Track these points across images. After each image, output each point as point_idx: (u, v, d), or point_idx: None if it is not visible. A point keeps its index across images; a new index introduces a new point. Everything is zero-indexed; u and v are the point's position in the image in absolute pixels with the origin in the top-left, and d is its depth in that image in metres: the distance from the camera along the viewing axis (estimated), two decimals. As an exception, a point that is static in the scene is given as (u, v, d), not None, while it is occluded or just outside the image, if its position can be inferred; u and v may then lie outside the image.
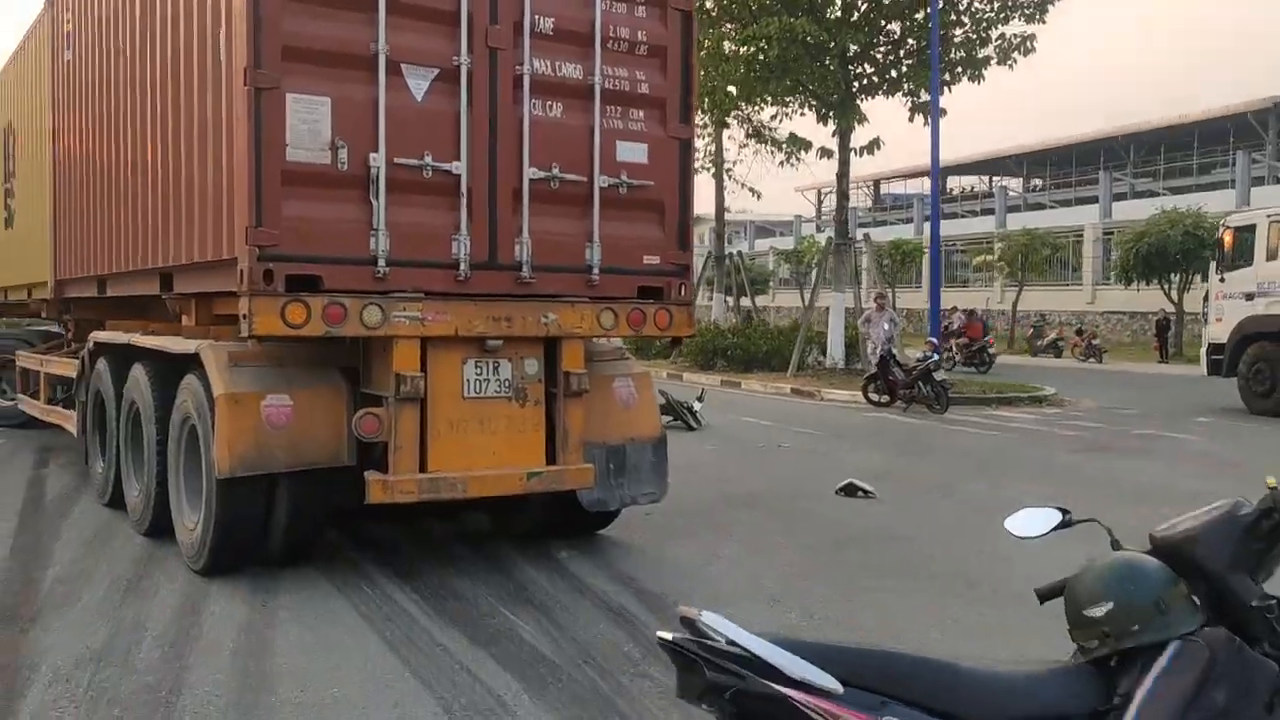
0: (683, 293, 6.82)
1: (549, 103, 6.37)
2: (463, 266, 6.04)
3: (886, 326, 17.84)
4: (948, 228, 41.40)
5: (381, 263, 5.80)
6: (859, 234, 28.43)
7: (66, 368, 10.02)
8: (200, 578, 6.17)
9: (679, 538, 7.42)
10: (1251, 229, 16.35)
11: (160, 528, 7.00)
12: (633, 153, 6.64)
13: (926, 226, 51.43)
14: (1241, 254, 16.33)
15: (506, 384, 6.27)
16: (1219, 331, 16.74)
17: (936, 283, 20.13)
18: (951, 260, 42.64)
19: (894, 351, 17.47)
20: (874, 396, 17.51)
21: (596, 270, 6.47)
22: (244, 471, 5.85)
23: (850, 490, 9.23)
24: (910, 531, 7.73)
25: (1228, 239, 16.68)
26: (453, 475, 6.01)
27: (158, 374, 7.12)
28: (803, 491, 9.34)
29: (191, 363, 6.42)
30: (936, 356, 17.19)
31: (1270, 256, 15.82)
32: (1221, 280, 16.81)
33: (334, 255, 5.72)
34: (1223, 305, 16.65)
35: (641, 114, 6.66)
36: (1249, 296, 16.05)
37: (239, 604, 5.67)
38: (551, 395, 6.43)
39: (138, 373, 7.34)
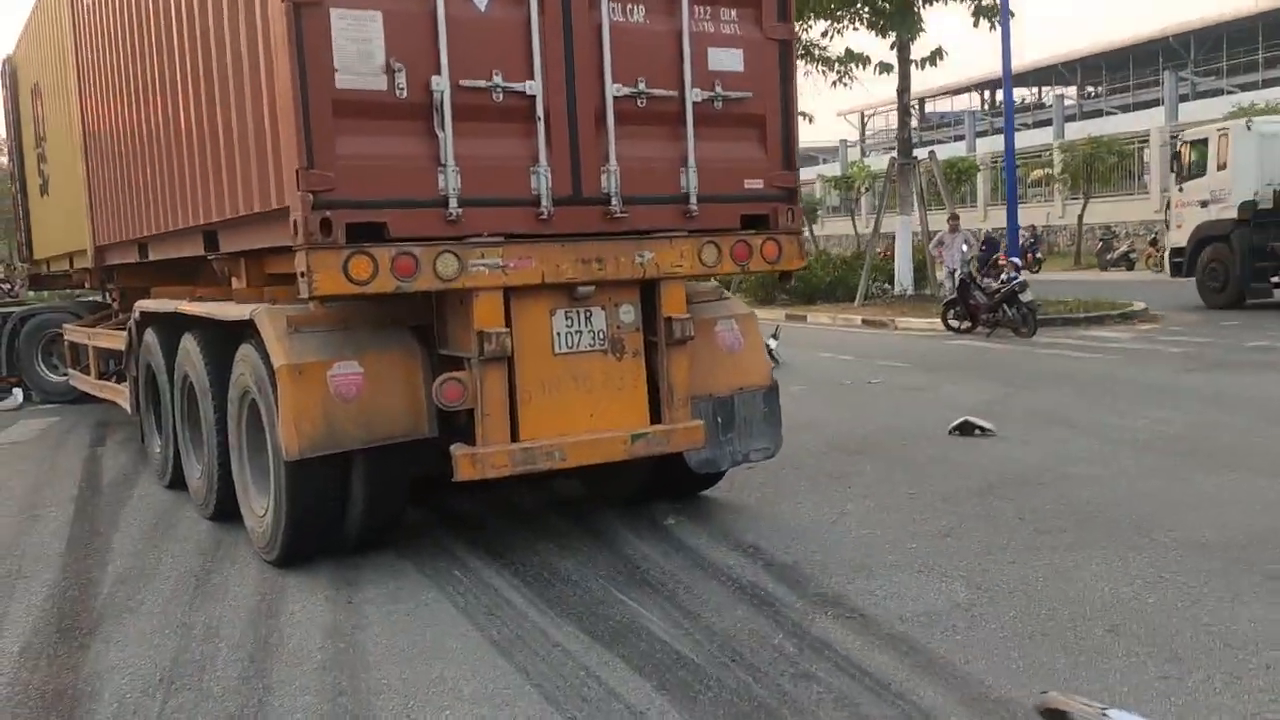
0: (791, 219, 5.97)
1: (629, 5, 5.50)
2: (544, 203, 5.24)
3: (965, 249, 16.83)
4: (1002, 142, 39.88)
5: (453, 203, 5.02)
6: (918, 154, 27.18)
7: (114, 340, 9.41)
8: (274, 570, 5.51)
9: (793, 494, 6.65)
10: (1205, 142, 18.24)
11: (227, 512, 6.36)
12: (727, 60, 5.76)
13: (979, 143, 49.75)
14: (1197, 165, 18.27)
15: (601, 335, 5.50)
16: (1179, 237, 18.85)
17: (1013, 197, 18.97)
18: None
19: (974, 273, 16.47)
20: (954, 323, 16.57)
21: (694, 199, 5.64)
22: (314, 452, 5.15)
23: (966, 429, 8.41)
24: (1051, 473, 6.90)
25: (1184, 152, 18.61)
26: (548, 443, 5.27)
27: (210, 344, 6.44)
28: (913, 432, 8.53)
29: (246, 330, 5.71)
30: (1021, 277, 16.17)
31: (1220, 167, 17.74)
32: (1180, 190, 18.73)
33: (399, 198, 4.95)
34: (1181, 213, 18.61)
35: (734, 13, 5.77)
36: (1203, 204, 18.02)
37: (320, 601, 5.01)
38: (650, 345, 5.66)
39: (188, 343, 6.66)
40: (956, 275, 16.60)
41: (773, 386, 6.26)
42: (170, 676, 4.21)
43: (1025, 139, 47.22)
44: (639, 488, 6.45)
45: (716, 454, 6.02)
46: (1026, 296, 15.59)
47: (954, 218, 17.36)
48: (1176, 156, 18.95)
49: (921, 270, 22.88)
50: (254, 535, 5.83)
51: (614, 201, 5.42)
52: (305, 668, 4.22)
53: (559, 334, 5.40)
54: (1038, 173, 38.45)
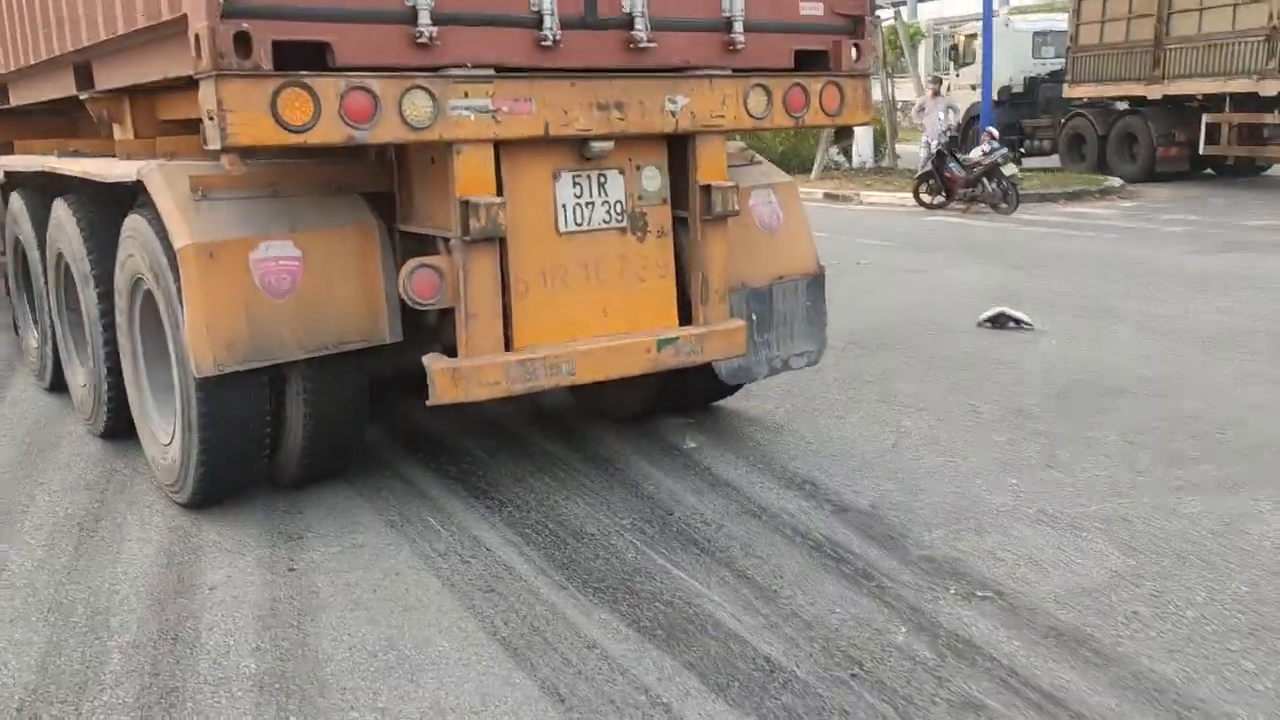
0: (857, 57, 4.61)
1: None
2: (549, 24, 3.80)
3: (942, 116, 15.53)
4: (935, 10, 38.45)
5: (424, 18, 3.56)
6: (882, 15, 25.59)
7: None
8: (186, 516, 4.18)
9: (828, 406, 5.46)
10: (975, 35, 20.00)
11: (122, 430, 4.97)
12: None
13: (922, 8, 47.91)
14: (969, 55, 20.92)
15: (618, 208, 4.15)
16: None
17: (989, 62, 17.62)
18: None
19: (953, 144, 15.24)
20: (926, 198, 15.38)
21: (740, 25, 4.24)
22: (234, 365, 3.77)
23: (1000, 321, 7.28)
24: (1128, 377, 5.80)
25: (961, 43, 21.57)
26: (552, 353, 3.96)
27: (89, 213, 4.93)
28: (936, 323, 7.37)
29: (138, 195, 4.24)
30: (1003, 148, 15.00)
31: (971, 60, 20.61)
32: (957, 75, 21.28)
33: (349, 5, 3.48)
34: (956, 95, 19.91)
35: None
36: (973, 87, 19.73)
37: (249, 567, 3.70)
38: (678, 222, 4.33)
39: (61, 212, 5.12)
40: (933, 146, 15.32)
41: (819, 275, 4.99)
42: (27, 702, 2.90)
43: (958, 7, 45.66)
44: (646, 401, 5.18)
45: (751, 360, 4.76)
46: (1009, 170, 14.42)
47: (936, 82, 15.98)
48: (954, 47, 22.03)
49: (881, 141, 21.64)
50: (157, 469, 4.45)
51: (639, 24, 3.99)
52: (236, 686, 2.94)
53: (565, 206, 4.04)
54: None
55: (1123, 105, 18.32)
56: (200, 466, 4.06)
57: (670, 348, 4.21)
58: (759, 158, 5.23)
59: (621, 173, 4.15)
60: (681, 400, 5.29)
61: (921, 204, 15.44)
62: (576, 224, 4.07)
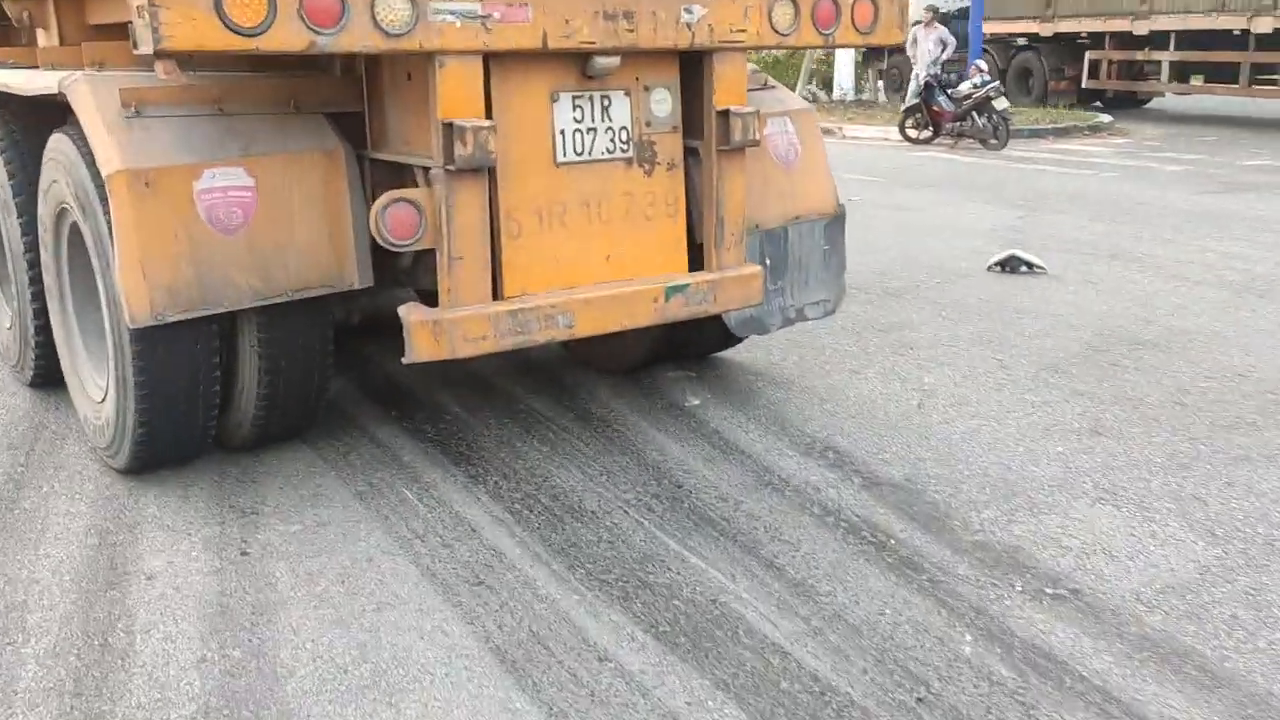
0: (893, -32, 4.04)
1: None
2: (548, -85, 3.21)
3: (931, 46, 14.91)
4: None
5: (402, -97, 2.97)
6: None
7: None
8: (124, 484, 3.64)
9: (839, 358, 4.99)
10: None
11: (55, 379, 4.39)
12: None
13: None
14: None
15: (623, 136, 3.59)
16: None
17: (978, -10, 17.02)
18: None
19: (940, 76, 14.66)
20: (913, 132, 14.85)
21: (766, -74, 3.66)
22: (175, 314, 3.22)
23: (1011, 264, 6.82)
24: (1158, 329, 5.36)
25: None
26: (548, 302, 3.43)
27: (10, 131, 4.30)
28: (941, 267, 6.89)
29: (61, 112, 3.62)
30: (995, 81, 14.46)
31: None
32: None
33: (310, -115, 2.88)
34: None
35: None
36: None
37: (195, 548, 3.18)
38: (689, 153, 3.79)
39: (-22, 132, 4.48)
40: (921, 78, 14.73)
41: (838, 215, 4.47)
42: (-71, 729, 2.39)
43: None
44: (645, 353, 4.67)
45: (763, 310, 4.24)
46: (1001, 104, 13.89)
47: (931, 9, 15.30)
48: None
49: (862, 73, 21.02)
50: (90, 429, 3.89)
51: (653, -80, 3.40)
52: (172, 714, 2.43)
53: (563, 133, 3.48)
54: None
55: (1021, 41, 19.47)
56: (138, 428, 3.51)
57: (680, 296, 3.69)
58: (773, 81, 4.67)
59: (628, 95, 3.58)
60: (679, 351, 4.80)
61: (907, 139, 14.93)
62: (576, 154, 3.51)
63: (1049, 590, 2.87)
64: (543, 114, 3.43)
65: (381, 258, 3.52)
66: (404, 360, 3.28)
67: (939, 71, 14.69)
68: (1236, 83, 16.54)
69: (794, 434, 4.05)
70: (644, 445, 3.96)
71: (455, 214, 3.21)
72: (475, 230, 3.27)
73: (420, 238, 3.23)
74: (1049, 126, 15.83)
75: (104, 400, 3.70)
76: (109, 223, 3.25)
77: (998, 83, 14.41)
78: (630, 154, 3.61)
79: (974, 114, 14.00)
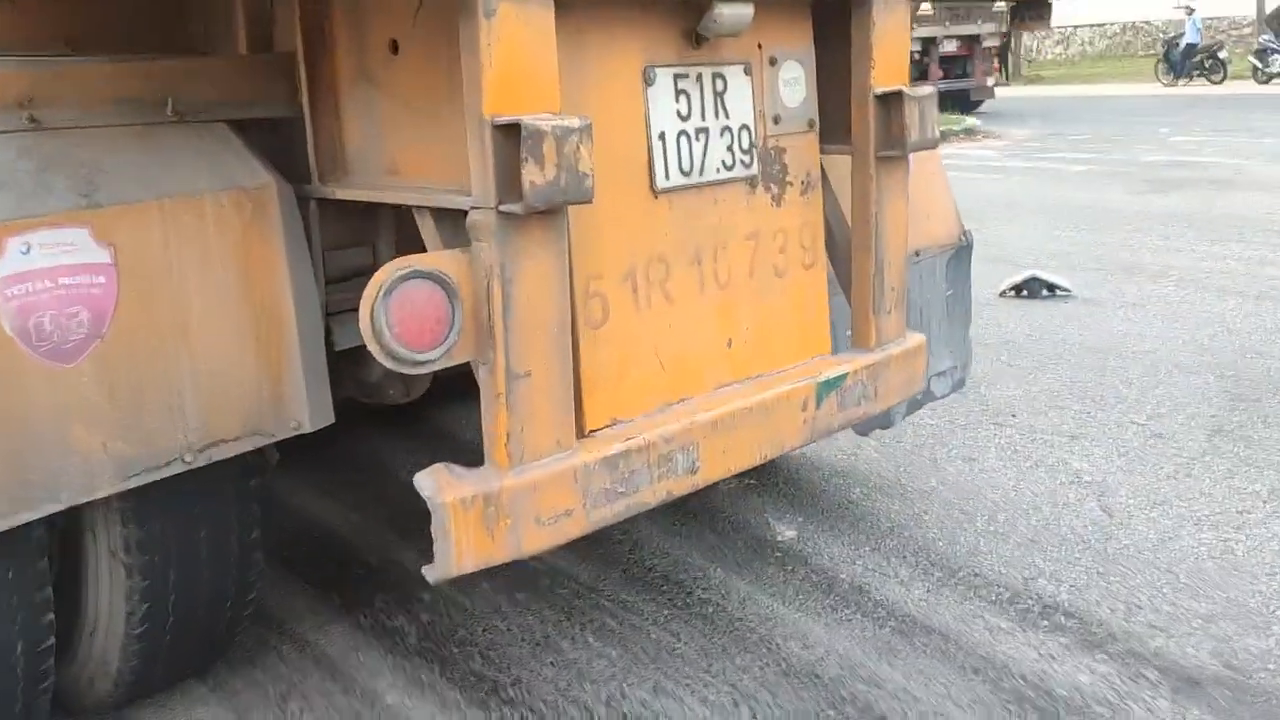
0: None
1: None
2: None
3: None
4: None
5: None
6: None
7: None
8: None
9: (931, 443, 3.69)
10: None
11: None
12: None
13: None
14: None
15: (744, 139, 2.16)
16: None
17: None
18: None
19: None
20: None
21: None
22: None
23: (1030, 288, 5.70)
24: (1226, 356, 4.29)
25: None
26: (660, 434, 1.95)
27: None
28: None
29: None
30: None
31: None
32: None
33: None
34: None
35: None
36: None
37: None
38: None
39: None
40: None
41: (963, 246, 3.16)
42: None
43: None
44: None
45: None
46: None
47: None
48: None
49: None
50: None
51: None
52: None
53: (663, 136, 2.02)
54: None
55: None
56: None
57: (834, 396, 2.28)
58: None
59: (747, 72, 2.16)
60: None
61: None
62: (683, 173, 2.06)
63: None
64: (633, 104, 1.96)
65: (356, 384, 1.99)
66: (430, 576, 1.74)
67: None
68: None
69: (962, 574, 2.69)
70: (743, 613, 2.52)
71: (518, 293, 1.71)
72: (551, 319, 1.77)
73: (452, 344, 1.70)
74: (923, 131, 15.14)
75: None
76: None
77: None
78: (753, 169, 2.18)
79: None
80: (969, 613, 2.52)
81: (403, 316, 1.64)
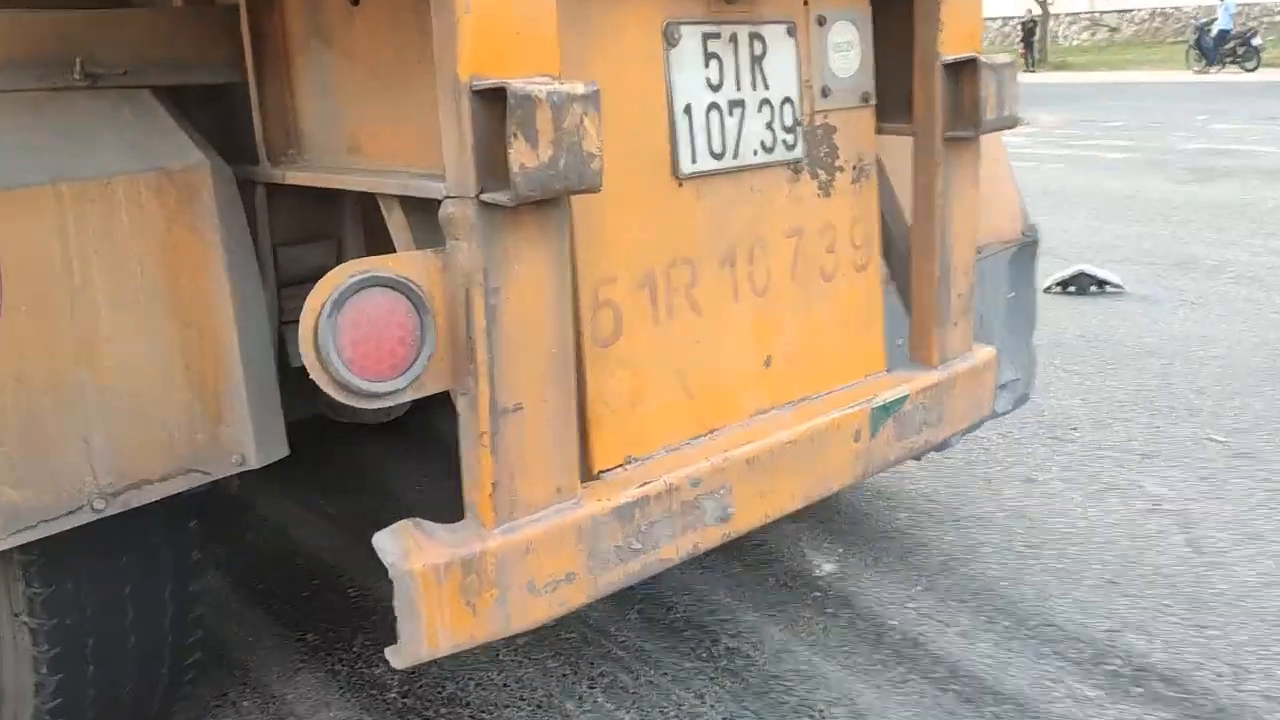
0: None
1: None
2: None
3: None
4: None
5: None
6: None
7: None
8: None
9: (984, 460, 3.31)
10: None
11: None
12: None
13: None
14: None
15: (787, 115, 1.78)
16: None
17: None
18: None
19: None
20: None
21: None
22: None
23: (1079, 284, 5.30)
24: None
25: None
26: (685, 474, 1.58)
27: None
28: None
29: None
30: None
31: None
32: None
33: None
34: None
35: None
36: None
37: None
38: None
39: None
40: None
41: (1027, 242, 2.77)
42: None
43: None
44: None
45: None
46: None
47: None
48: None
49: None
50: None
51: None
52: None
53: (688, 110, 1.64)
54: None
55: None
56: None
57: (891, 423, 1.91)
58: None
59: (791, 33, 1.78)
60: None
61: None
62: (713, 153, 1.69)
63: None
64: (652, 69, 1.59)
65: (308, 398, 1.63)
66: (395, 661, 1.38)
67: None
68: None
69: (1033, 624, 2.32)
70: (778, 668, 2.15)
71: (506, 304, 1.34)
72: (548, 337, 1.40)
73: (421, 372, 1.33)
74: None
75: None
76: None
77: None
78: (797, 152, 1.81)
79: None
80: (1046, 675, 2.14)
81: (356, 337, 1.28)
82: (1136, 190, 8.38)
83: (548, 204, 1.34)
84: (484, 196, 1.29)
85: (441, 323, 1.33)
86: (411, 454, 3.34)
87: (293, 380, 1.75)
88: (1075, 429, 3.47)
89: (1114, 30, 34.12)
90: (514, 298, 1.34)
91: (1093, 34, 34.83)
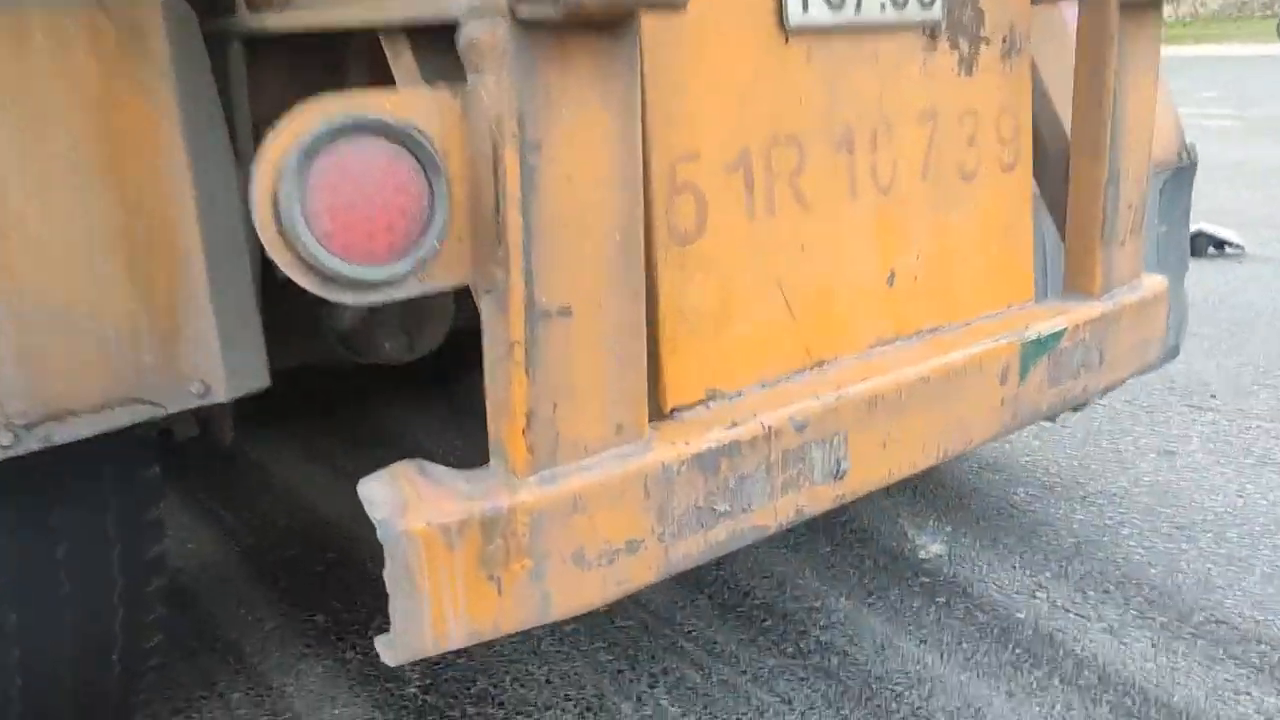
0: None
1: None
2: None
3: None
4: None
5: None
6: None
7: None
8: None
9: (1111, 428, 2.87)
10: None
11: None
12: None
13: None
14: None
15: (921, -42, 1.37)
16: None
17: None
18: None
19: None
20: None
21: None
22: None
23: (1196, 245, 4.80)
24: None
25: None
26: (786, 413, 1.18)
27: None
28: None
29: None
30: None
31: None
32: None
33: None
34: None
35: None
36: None
37: None
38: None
39: None
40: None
41: (1183, 167, 2.32)
42: None
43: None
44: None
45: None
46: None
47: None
48: None
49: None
50: None
51: None
52: None
53: (799, -65, 1.23)
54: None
55: None
56: None
57: (1044, 363, 1.49)
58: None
59: None
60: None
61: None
62: (830, 3, 1.28)
63: None
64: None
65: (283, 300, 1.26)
66: (387, 656, 1.00)
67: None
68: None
69: (1198, 620, 1.89)
70: (882, 668, 1.75)
71: (550, 167, 0.95)
72: (607, 221, 1.00)
73: (429, 254, 0.95)
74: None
75: None
76: None
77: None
78: (935, 12, 1.39)
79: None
80: (1223, 684, 1.72)
81: (335, 202, 0.89)
82: (1246, 157, 7.77)
83: (610, 30, 0.95)
84: (521, 9, 0.90)
85: (459, 189, 0.95)
86: (462, 411, 2.98)
87: (300, 310, 1.38)
88: (1214, 396, 3.00)
89: (1200, 4, 32.79)
90: (561, 158, 0.95)
91: (1176, 7, 33.51)
